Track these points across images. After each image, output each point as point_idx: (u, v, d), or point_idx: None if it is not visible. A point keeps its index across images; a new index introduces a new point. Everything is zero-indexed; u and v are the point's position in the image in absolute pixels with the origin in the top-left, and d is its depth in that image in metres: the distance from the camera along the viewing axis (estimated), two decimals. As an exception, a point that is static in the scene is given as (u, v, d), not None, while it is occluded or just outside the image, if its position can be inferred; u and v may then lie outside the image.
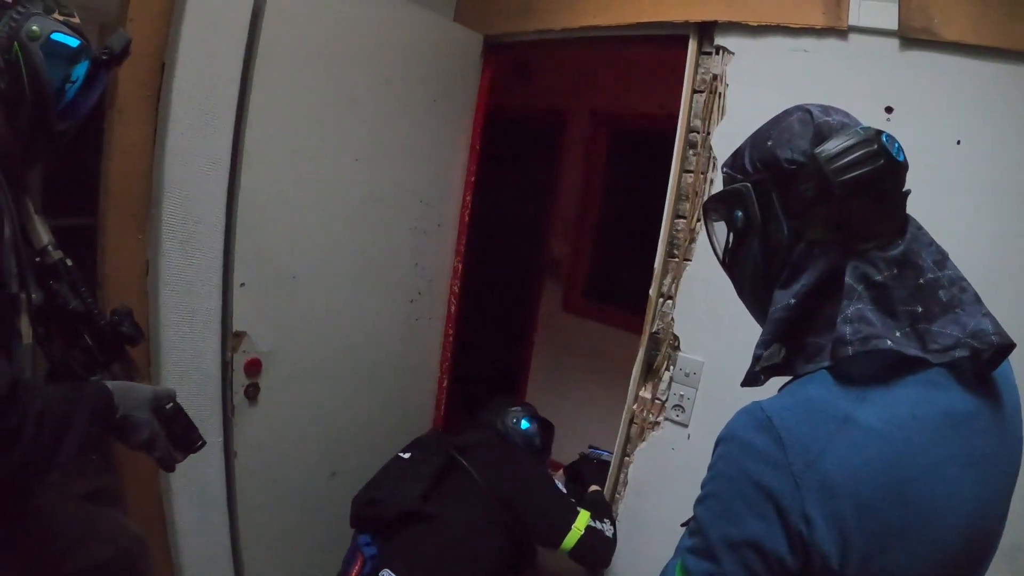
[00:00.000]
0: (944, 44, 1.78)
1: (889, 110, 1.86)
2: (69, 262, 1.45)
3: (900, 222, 0.94)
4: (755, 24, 2.07)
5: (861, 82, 1.90)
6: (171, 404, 1.45)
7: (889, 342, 0.87)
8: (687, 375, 2.22)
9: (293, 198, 2.34)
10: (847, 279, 0.91)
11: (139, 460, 2.09)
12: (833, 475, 0.81)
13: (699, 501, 0.92)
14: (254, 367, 2.32)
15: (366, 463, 2.42)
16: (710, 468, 0.92)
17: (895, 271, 0.90)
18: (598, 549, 2.25)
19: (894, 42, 1.87)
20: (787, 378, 1.02)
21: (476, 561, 2.16)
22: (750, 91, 2.11)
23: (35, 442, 1.09)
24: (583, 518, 2.24)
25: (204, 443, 1.54)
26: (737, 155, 1.06)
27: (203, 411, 2.19)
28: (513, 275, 4.75)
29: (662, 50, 2.35)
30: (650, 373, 2.32)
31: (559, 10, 2.57)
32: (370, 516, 2.24)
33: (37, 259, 1.40)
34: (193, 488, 2.23)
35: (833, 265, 0.94)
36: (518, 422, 2.65)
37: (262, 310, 2.31)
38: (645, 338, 2.32)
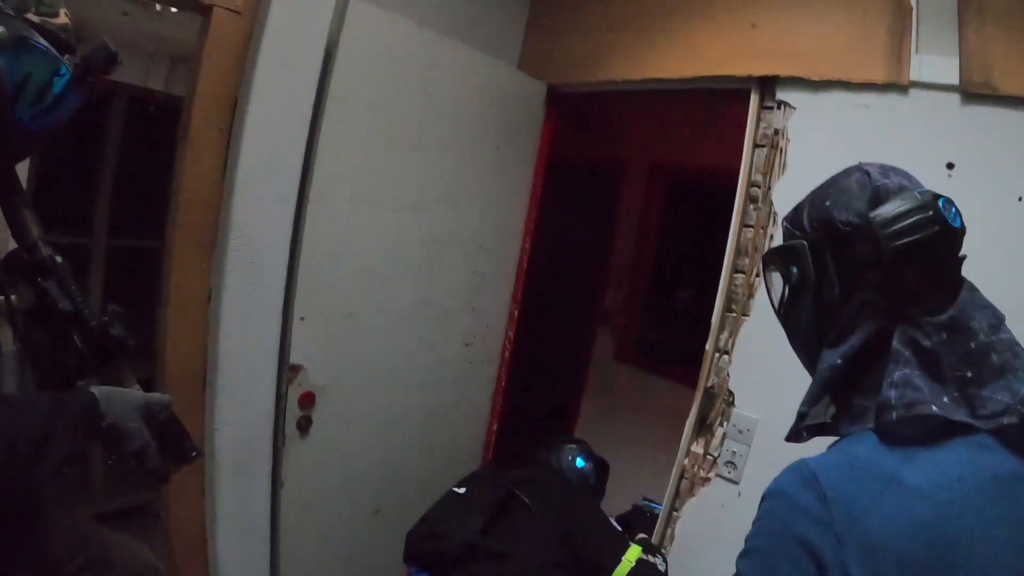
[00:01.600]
0: (1006, 99, 1.81)
1: (950, 166, 1.89)
2: (59, 259, 1.36)
3: (953, 286, 0.96)
4: (817, 79, 2.14)
5: (922, 138, 1.94)
6: (164, 412, 1.37)
7: (935, 407, 0.89)
8: (741, 431, 2.24)
9: (356, 237, 2.46)
10: (895, 344, 0.94)
11: (187, 480, 2.21)
12: (876, 534, 0.83)
13: (742, 555, 0.95)
14: (307, 400, 2.43)
15: (410, 502, 2.48)
16: (755, 523, 0.95)
17: (944, 336, 0.92)
18: None
19: (955, 97, 1.91)
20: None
21: None
22: (811, 146, 2.17)
23: (9, 463, 1.05)
24: (634, 550, 2.21)
25: (199, 453, 1.45)
26: (797, 211, 1.10)
27: (254, 440, 2.30)
28: (566, 322, 4.81)
29: (723, 104, 2.43)
30: (703, 428, 2.35)
31: (622, 61, 2.69)
32: (430, 551, 2.22)
33: (26, 255, 1.34)
34: (238, 514, 2.32)
35: (882, 328, 0.97)
36: (573, 460, 2.65)
37: (319, 345, 2.43)
38: (700, 392, 2.35)
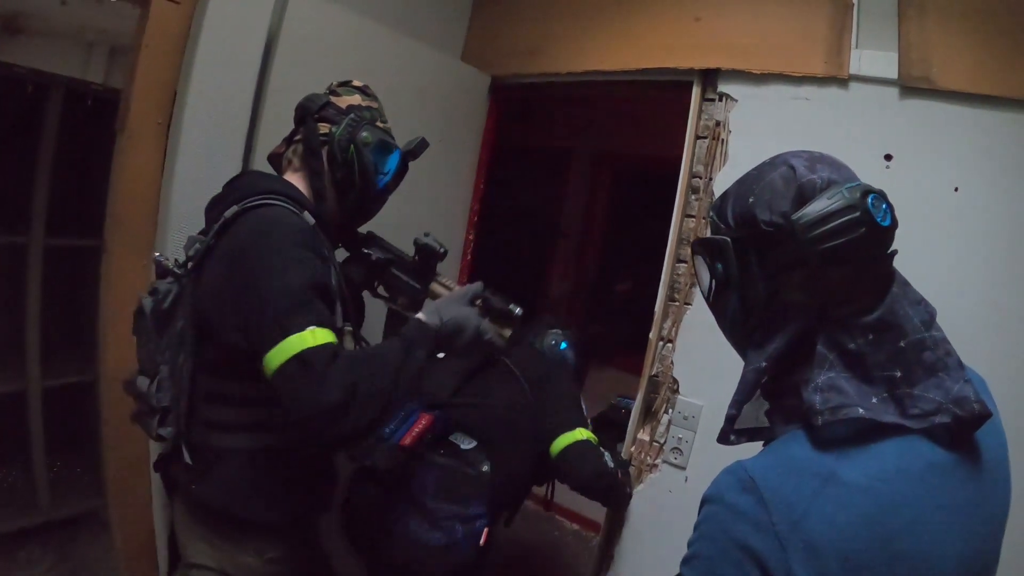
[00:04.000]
0: (943, 93, 1.81)
1: (888, 157, 1.88)
2: (376, 234, 1.91)
3: (882, 284, 0.92)
4: (758, 72, 2.10)
5: (861, 130, 1.92)
6: (481, 292, 1.73)
7: (861, 410, 0.86)
8: (686, 418, 2.20)
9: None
10: (819, 347, 0.90)
11: (133, 485, 2.07)
12: (818, 534, 0.80)
13: (685, 561, 0.91)
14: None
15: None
16: (696, 528, 0.91)
17: (870, 337, 0.88)
18: (583, 462, 2.08)
19: (894, 91, 1.90)
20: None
21: (521, 441, 2.18)
22: (752, 138, 2.12)
23: (384, 386, 1.38)
24: (585, 432, 2.14)
25: (522, 310, 1.79)
26: (722, 202, 1.02)
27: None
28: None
29: (666, 95, 2.37)
30: (649, 415, 2.30)
31: (565, 54, 2.61)
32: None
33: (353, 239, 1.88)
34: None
35: (807, 329, 0.93)
36: (556, 344, 2.55)
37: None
38: (644, 381, 2.30)
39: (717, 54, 2.19)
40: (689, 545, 0.91)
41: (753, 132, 2.13)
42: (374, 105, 1.78)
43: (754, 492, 0.84)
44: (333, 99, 1.72)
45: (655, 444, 2.27)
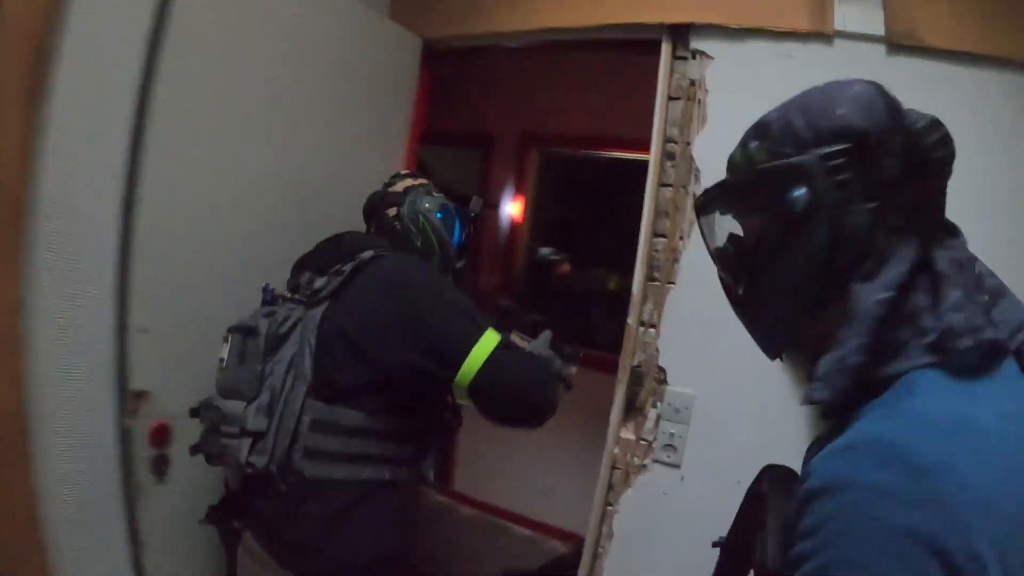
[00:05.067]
0: (932, 51, 1.74)
1: (876, 117, 1.76)
2: None
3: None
4: (735, 27, 1.93)
5: (848, 88, 1.80)
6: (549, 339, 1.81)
7: (991, 331, 0.74)
8: (677, 411, 1.97)
9: (206, 228, 1.90)
10: (940, 267, 0.78)
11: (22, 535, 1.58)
12: (986, 493, 0.62)
13: None
14: (161, 434, 1.80)
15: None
16: (811, 533, 0.67)
17: (964, 257, 0.81)
18: None
19: (881, 48, 1.79)
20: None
21: None
22: (733, 97, 1.95)
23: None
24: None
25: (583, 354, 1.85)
26: (775, 126, 0.87)
27: (99, 492, 1.68)
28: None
29: (630, 55, 2.15)
30: (632, 411, 2.04)
31: (511, 8, 2.28)
32: None
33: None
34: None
35: (921, 252, 0.80)
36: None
37: (169, 362, 1.82)
38: (624, 372, 2.04)
39: (689, 7, 1.99)
40: (804, 557, 0.67)
41: (733, 91, 1.95)
42: (425, 181, 1.95)
43: (901, 462, 0.65)
44: (390, 189, 1.90)
45: (642, 442, 2.01)
